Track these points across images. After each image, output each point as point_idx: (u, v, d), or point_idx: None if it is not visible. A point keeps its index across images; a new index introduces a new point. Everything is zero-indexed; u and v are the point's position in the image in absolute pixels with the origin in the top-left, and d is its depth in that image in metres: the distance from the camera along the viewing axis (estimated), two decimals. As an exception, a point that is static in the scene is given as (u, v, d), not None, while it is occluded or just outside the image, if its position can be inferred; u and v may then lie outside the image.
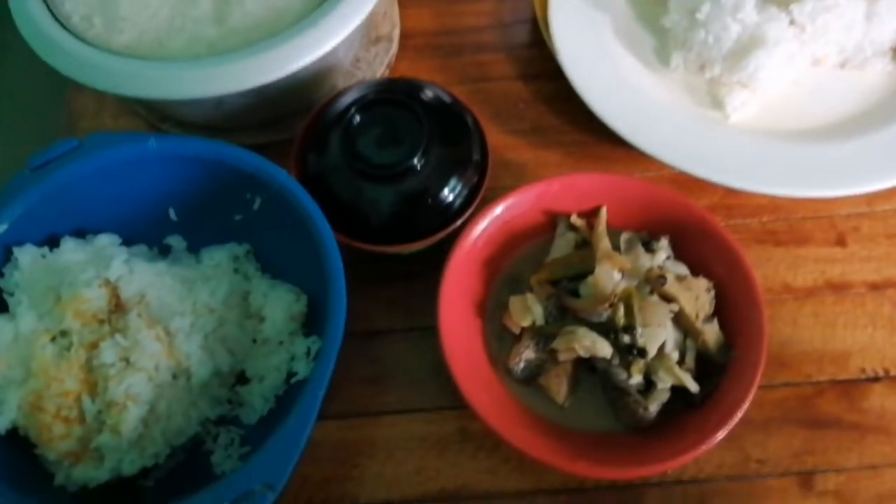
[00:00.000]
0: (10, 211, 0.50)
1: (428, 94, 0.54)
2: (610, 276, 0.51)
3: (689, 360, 0.51)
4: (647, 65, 0.66)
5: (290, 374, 0.53)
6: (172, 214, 0.57)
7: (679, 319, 0.51)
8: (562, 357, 0.51)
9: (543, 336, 0.52)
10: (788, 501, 0.52)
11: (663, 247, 0.54)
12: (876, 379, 0.56)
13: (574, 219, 0.56)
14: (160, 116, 0.65)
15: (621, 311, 0.50)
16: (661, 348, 0.50)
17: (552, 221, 0.57)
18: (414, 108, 0.52)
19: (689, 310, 0.51)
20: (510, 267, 0.57)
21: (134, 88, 0.53)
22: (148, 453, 0.47)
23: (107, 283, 0.48)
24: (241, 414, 0.53)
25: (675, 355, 0.50)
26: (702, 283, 0.53)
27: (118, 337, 0.46)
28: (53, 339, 0.47)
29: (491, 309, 0.55)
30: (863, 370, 0.56)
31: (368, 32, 0.69)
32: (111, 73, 0.53)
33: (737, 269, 0.52)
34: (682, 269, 0.54)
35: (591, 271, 0.52)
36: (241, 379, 0.54)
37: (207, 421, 0.51)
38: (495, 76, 0.70)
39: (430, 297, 0.58)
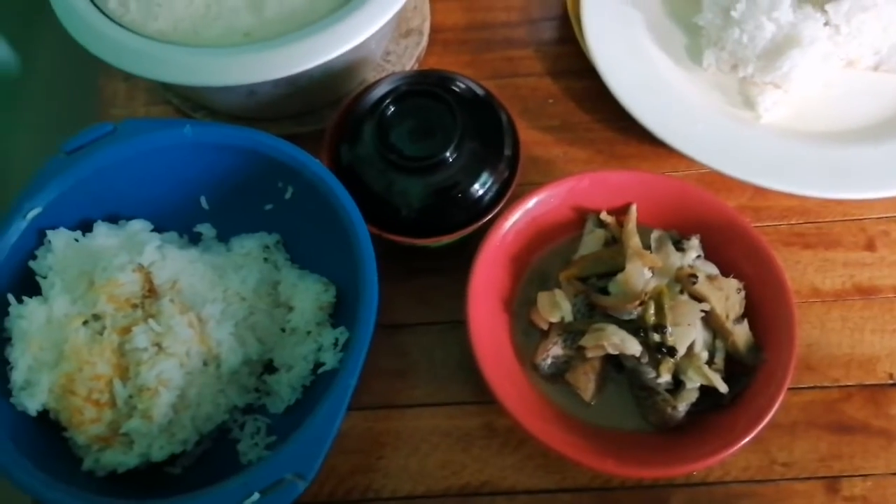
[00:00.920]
0: (44, 194, 0.50)
1: (462, 87, 0.54)
2: (640, 274, 0.51)
3: (719, 360, 0.51)
4: (678, 62, 0.65)
5: (317, 365, 0.53)
6: (203, 202, 0.57)
7: (709, 319, 0.51)
8: (590, 354, 0.50)
9: (571, 332, 0.52)
10: (814, 506, 0.52)
11: (694, 246, 0.54)
12: (904, 385, 0.56)
13: (604, 216, 0.55)
14: (192, 105, 0.65)
15: (652, 309, 0.49)
16: (691, 348, 0.50)
17: (581, 218, 0.57)
18: (448, 100, 0.52)
19: (720, 310, 0.51)
20: (538, 263, 0.56)
21: (169, 74, 0.53)
22: (177, 439, 0.48)
23: (140, 268, 0.48)
24: (267, 403, 0.53)
25: (705, 355, 0.50)
26: (732, 284, 0.52)
27: (151, 322, 0.46)
28: (86, 322, 0.47)
29: (518, 304, 0.55)
30: (890, 375, 0.56)
31: (399, 25, 0.69)
32: (147, 58, 0.53)
33: (768, 271, 0.52)
34: (712, 269, 0.53)
35: (621, 269, 0.52)
36: (269, 368, 0.54)
37: (235, 409, 0.52)
38: (524, 72, 0.70)
39: (457, 292, 0.58)
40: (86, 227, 0.53)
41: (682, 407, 0.49)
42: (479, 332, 0.50)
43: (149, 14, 0.55)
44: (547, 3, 0.74)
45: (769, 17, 0.60)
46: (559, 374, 0.52)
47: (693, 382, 0.49)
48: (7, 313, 0.48)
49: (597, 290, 0.52)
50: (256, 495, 0.40)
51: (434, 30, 0.71)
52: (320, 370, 0.53)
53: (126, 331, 0.47)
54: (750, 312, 0.53)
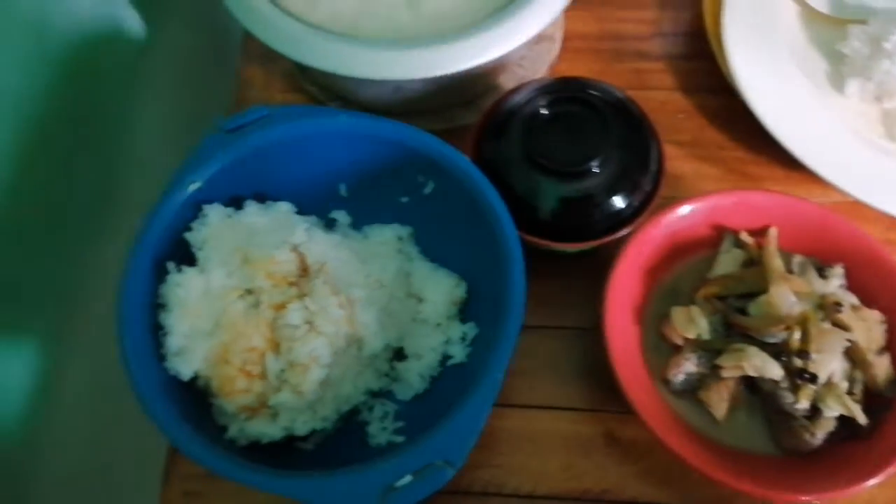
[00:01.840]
0: (204, 169, 0.52)
1: (612, 97, 0.55)
2: (787, 297, 0.50)
3: (857, 391, 0.50)
4: (818, 87, 0.65)
5: (445, 357, 0.54)
6: (343, 190, 0.59)
7: (851, 349, 0.50)
8: (726, 374, 0.50)
9: (707, 350, 0.52)
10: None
11: (837, 274, 0.53)
12: None
13: (744, 236, 0.55)
14: (330, 95, 0.67)
15: (797, 334, 0.49)
16: (831, 376, 0.50)
17: (716, 236, 0.57)
18: (600, 109, 0.52)
19: (862, 341, 0.50)
20: (671, 277, 0.56)
21: (329, 63, 0.54)
22: (318, 416, 0.49)
23: (294, 248, 0.50)
24: (395, 389, 0.54)
25: (844, 385, 0.49)
26: (875, 315, 0.52)
27: (307, 300, 0.48)
28: (240, 296, 0.49)
29: (649, 318, 0.55)
30: None
31: (536, 31, 0.70)
32: (307, 46, 0.55)
33: (911, 305, 0.51)
34: (853, 299, 0.53)
35: (761, 291, 0.51)
36: (397, 355, 0.55)
37: (367, 392, 0.53)
38: (655, 85, 0.70)
39: (580, 299, 0.59)
40: (235, 204, 0.55)
41: (820, 435, 0.49)
42: (614, 342, 0.50)
43: (310, 3, 0.56)
44: (679, 19, 0.74)
45: (925, 52, 0.59)
46: (689, 391, 0.52)
47: (832, 411, 0.49)
48: (162, 280, 0.50)
49: (734, 311, 0.52)
50: (409, 477, 0.41)
51: (566, 37, 0.72)
52: (449, 363, 0.54)
53: (280, 307, 0.48)
54: (889, 346, 0.52)
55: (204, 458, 0.42)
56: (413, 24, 0.56)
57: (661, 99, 0.69)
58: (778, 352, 0.50)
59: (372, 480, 0.41)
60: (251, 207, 0.54)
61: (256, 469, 0.42)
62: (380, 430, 0.52)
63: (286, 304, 0.48)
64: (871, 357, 0.50)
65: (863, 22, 0.64)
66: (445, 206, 0.55)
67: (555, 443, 0.54)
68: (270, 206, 0.55)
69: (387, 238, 0.57)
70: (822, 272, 0.53)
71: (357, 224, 0.59)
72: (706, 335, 0.52)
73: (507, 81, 0.68)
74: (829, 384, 0.49)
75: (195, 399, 0.49)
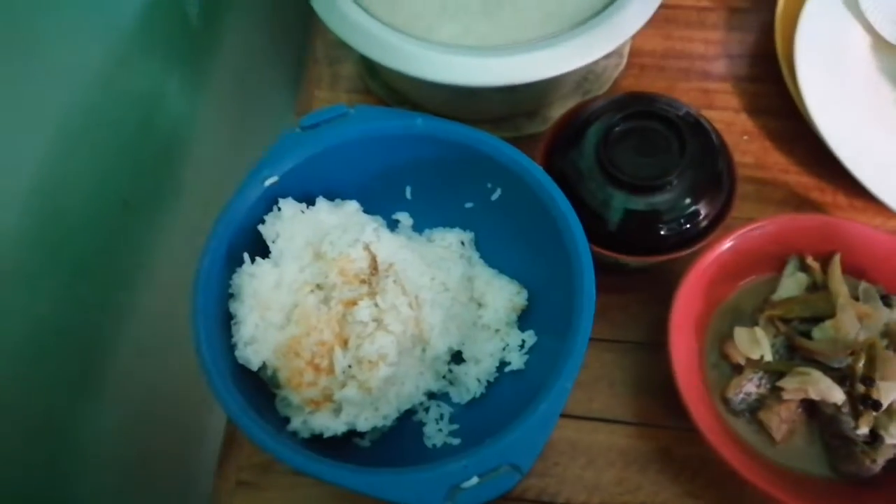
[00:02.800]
0: (280, 164, 0.53)
1: (687, 114, 0.55)
2: (854, 323, 0.50)
3: (919, 421, 0.50)
4: (886, 116, 0.65)
5: (502, 363, 0.55)
6: (408, 192, 0.59)
7: (915, 379, 0.50)
8: (787, 396, 0.50)
9: (768, 372, 0.52)
10: None
11: (903, 303, 0.53)
12: None
13: (810, 260, 0.55)
14: (397, 97, 0.68)
15: (862, 360, 0.49)
16: (892, 403, 0.49)
17: (779, 258, 0.57)
18: (677, 125, 0.53)
19: (926, 371, 0.50)
20: (733, 297, 0.57)
21: (410, 66, 0.55)
22: (380, 413, 0.50)
23: (366, 246, 0.51)
24: (451, 392, 0.55)
25: (907, 414, 0.49)
26: (938, 347, 0.51)
27: (377, 299, 0.48)
28: (311, 291, 0.50)
29: (710, 336, 0.55)
30: None
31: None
32: (392, 49, 0.56)
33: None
34: (917, 329, 0.53)
35: (826, 315, 0.52)
36: (454, 358, 0.56)
37: (427, 392, 0.53)
38: (720, 105, 0.70)
39: (639, 313, 0.59)
40: (306, 201, 0.56)
41: (881, 461, 0.49)
42: (678, 359, 0.51)
43: (391, 7, 0.57)
44: (746, 41, 0.74)
45: None
46: (748, 410, 0.52)
47: (893, 438, 0.49)
48: (233, 270, 0.51)
49: (798, 334, 0.52)
50: (475, 479, 0.41)
51: (631, 53, 0.72)
52: (506, 369, 0.55)
53: (351, 304, 0.49)
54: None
55: (278, 450, 0.43)
56: (492, 33, 0.57)
57: (727, 120, 0.69)
58: (841, 377, 0.50)
59: (441, 479, 0.41)
60: (322, 204, 0.55)
61: (330, 462, 0.43)
62: (436, 431, 0.53)
63: (357, 301, 0.49)
64: (935, 389, 0.50)
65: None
66: (510, 214, 0.56)
67: (610, 456, 0.55)
68: (339, 203, 0.56)
69: (450, 242, 0.58)
70: (886, 300, 0.53)
71: (417, 226, 0.60)
72: (769, 357, 0.52)
73: (573, 94, 0.69)
74: (891, 411, 0.49)
75: (259, 389, 0.50)
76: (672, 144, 0.53)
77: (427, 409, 0.54)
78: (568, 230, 0.50)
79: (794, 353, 0.52)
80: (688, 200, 0.53)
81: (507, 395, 0.54)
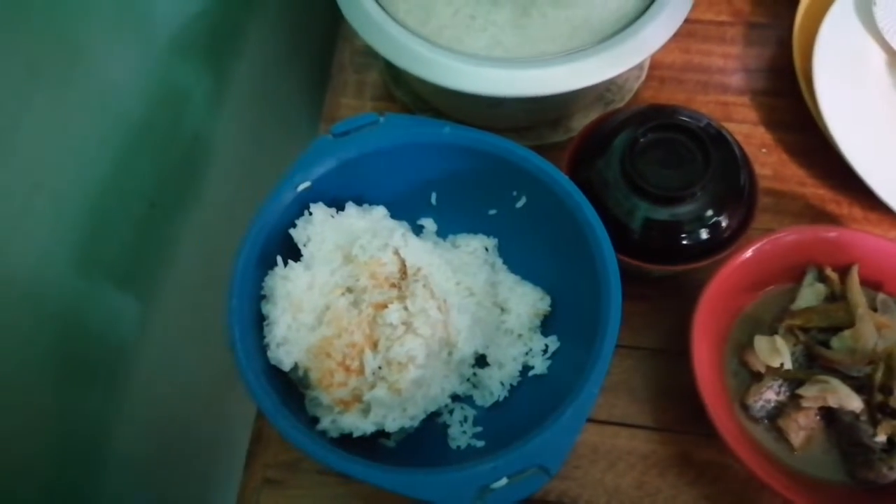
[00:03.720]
0: (313, 170, 0.54)
1: (710, 126, 0.56)
2: (872, 333, 0.51)
3: (935, 430, 0.51)
4: (902, 133, 0.66)
5: (525, 368, 0.56)
6: (433, 199, 0.61)
7: (932, 389, 0.51)
8: (806, 404, 0.51)
9: (788, 380, 0.53)
10: None
11: (920, 314, 0.54)
12: None
13: (828, 271, 0.56)
14: (423, 105, 0.69)
15: (881, 370, 0.50)
16: (909, 413, 0.50)
17: (798, 269, 0.58)
18: (701, 137, 0.54)
19: (944, 382, 0.51)
20: (751, 306, 0.58)
21: (440, 76, 0.56)
22: (408, 414, 0.51)
23: (396, 251, 0.52)
24: (475, 395, 0.56)
25: (924, 423, 0.50)
26: (956, 358, 0.52)
27: (407, 302, 0.50)
28: (342, 293, 0.51)
29: (730, 343, 0.56)
30: None
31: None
32: (422, 59, 0.57)
33: None
34: (934, 341, 0.54)
35: (845, 325, 0.53)
36: (479, 362, 0.57)
37: (452, 395, 0.54)
38: (738, 118, 0.71)
39: (659, 321, 0.61)
40: (335, 206, 0.57)
41: (899, 469, 0.50)
42: (700, 366, 0.52)
43: (422, 17, 0.59)
44: (764, 55, 0.75)
45: None
46: (766, 417, 0.53)
47: (911, 447, 0.50)
48: (265, 272, 0.53)
49: (817, 343, 0.53)
50: (504, 480, 0.43)
51: (651, 66, 0.74)
52: (529, 373, 0.56)
53: (381, 307, 0.50)
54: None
55: (313, 448, 0.44)
56: (518, 45, 0.58)
57: (745, 132, 0.70)
58: (860, 385, 0.51)
59: (471, 479, 0.43)
60: (351, 210, 0.56)
61: (362, 461, 0.44)
62: (460, 433, 0.54)
63: (387, 304, 0.50)
64: (952, 399, 0.51)
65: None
66: (535, 221, 0.57)
67: (630, 460, 0.56)
68: (367, 209, 0.57)
69: (474, 248, 0.59)
70: (904, 311, 0.54)
71: (441, 232, 0.61)
72: (789, 365, 0.53)
73: (595, 104, 0.70)
74: (908, 421, 0.50)
75: (289, 389, 0.51)
76: (696, 156, 0.54)
77: (451, 412, 0.55)
78: (595, 239, 0.51)
79: (813, 362, 0.53)
80: (710, 212, 0.54)
81: (530, 399, 0.55)
